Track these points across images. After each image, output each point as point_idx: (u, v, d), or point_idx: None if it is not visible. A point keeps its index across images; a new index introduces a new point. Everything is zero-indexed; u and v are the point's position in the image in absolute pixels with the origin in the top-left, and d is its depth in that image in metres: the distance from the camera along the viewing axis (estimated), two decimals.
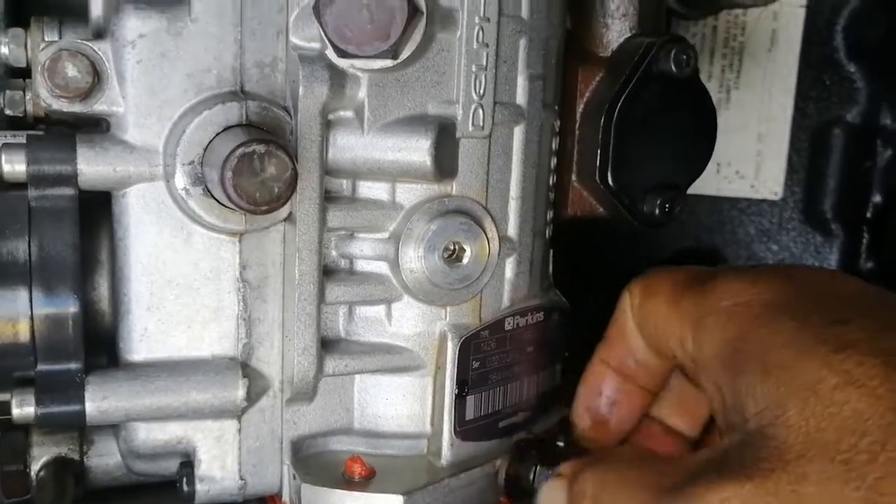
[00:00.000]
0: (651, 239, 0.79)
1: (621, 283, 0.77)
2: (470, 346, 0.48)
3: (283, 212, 0.45)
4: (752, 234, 0.80)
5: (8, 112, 0.49)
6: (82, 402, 0.43)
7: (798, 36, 0.77)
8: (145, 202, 0.44)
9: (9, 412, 0.44)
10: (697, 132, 0.54)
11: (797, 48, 0.77)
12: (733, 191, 0.79)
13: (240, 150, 0.39)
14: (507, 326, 0.51)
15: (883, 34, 0.76)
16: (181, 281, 0.45)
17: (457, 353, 0.48)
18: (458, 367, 0.48)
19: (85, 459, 0.49)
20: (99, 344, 0.46)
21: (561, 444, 0.55)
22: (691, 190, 0.78)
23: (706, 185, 0.78)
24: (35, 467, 0.48)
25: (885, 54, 0.76)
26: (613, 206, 0.53)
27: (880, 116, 0.77)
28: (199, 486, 0.47)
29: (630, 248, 0.78)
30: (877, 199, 0.77)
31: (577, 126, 0.54)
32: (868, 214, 0.78)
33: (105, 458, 0.50)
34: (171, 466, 0.48)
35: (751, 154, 0.79)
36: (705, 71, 0.78)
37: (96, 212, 0.46)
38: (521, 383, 0.52)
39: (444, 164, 0.46)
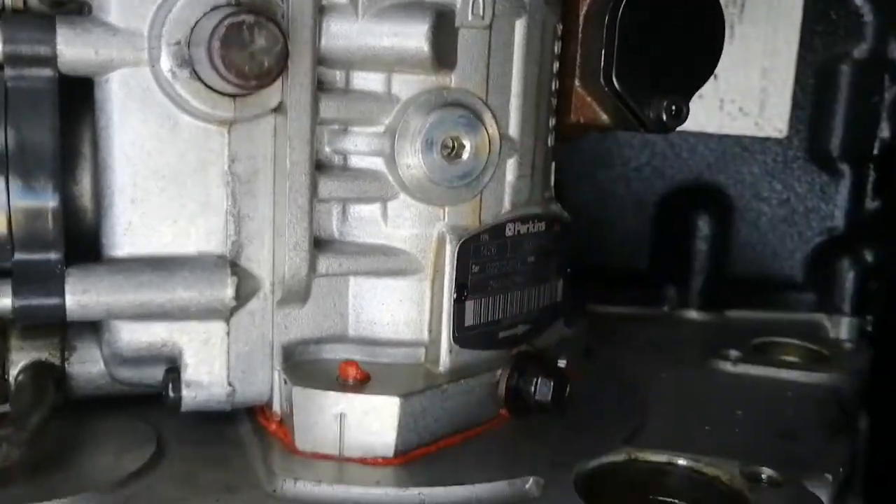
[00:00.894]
0: (653, 173, 0.77)
1: (625, 214, 0.77)
2: (469, 249, 0.46)
3: (274, 99, 0.43)
4: (755, 173, 0.78)
5: None
6: (62, 294, 0.41)
7: None
8: (129, 88, 0.42)
9: None
10: (705, 34, 0.51)
11: None
12: (737, 128, 0.77)
13: (228, 20, 0.37)
14: (508, 232, 0.49)
15: None
16: (167, 173, 0.43)
17: (456, 255, 0.46)
18: (456, 271, 0.46)
19: (66, 366, 0.47)
20: (82, 242, 0.44)
21: (563, 363, 0.53)
22: (694, 127, 0.76)
23: (709, 121, 0.76)
24: (13, 372, 0.46)
25: None
26: (618, 112, 0.51)
27: (888, 50, 0.75)
28: (185, 392, 0.45)
29: (632, 182, 0.77)
30: (884, 134, 0.75)
31: (579, 30, 0.52)
32: (875, 151, 0.76)
33: (87, 366, 0.47)
34: (156, 374, 0.46)
35: (755, 90, 0.77)
36: None
37: (79, 103, 0.43)
38: (521, 294, 0.50)
39: (443, 52, 0.44)
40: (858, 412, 0.62)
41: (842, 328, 0.75)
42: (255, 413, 0.48)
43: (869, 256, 0.76)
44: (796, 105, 0.77)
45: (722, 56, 0.55)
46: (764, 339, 0.67)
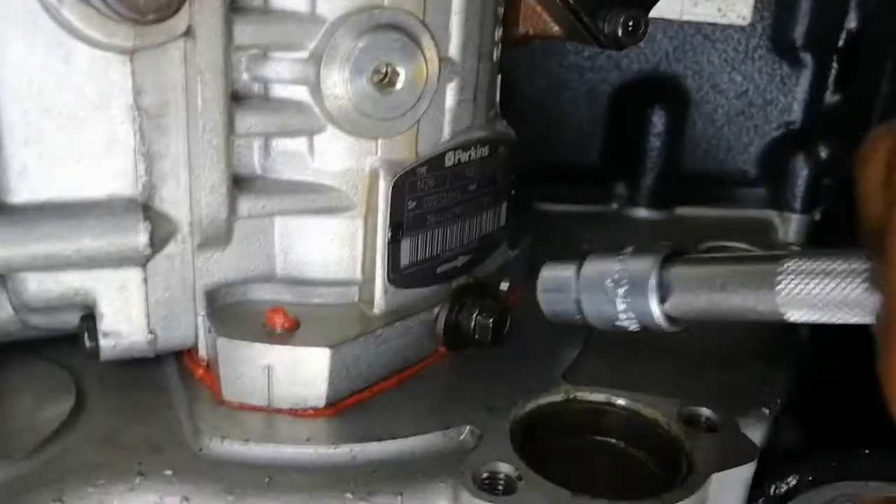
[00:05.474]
0: (608, 63, 0.73)
1: (577, 106, 0.73)
2: (405, 185, 0.43)
3: (180, 24, 0.37)
4: (715, 64, 0.74)
5: None
6: None
7: None
8: (9, 11, 0.37)
9: None
10: None
11: None
12: (699, 15, 0.72)
13: None
14: (448, 162, 0.45)
15: None
16: (63, 110, 0.38)
17: (390, 192, 0.43)
18: (391, 209, 0.43)
19: None
20: None
21: (505, 286, 0.51)
22: (654, 13, 0.71)
23: (669, 7, 0.71)
24: None
25: None
26: (571, 25, 0.46)
27: None
28: (103, 342, 0.42)
29: (586, 73, 0.72)
30: (851, 24, 0.71)
31: None
32: (840, 42, 0.72)
33: None
34: (72, 319, 0.43)
35: None
36: None
37: None
38: (462, 225, 0.47)
39: None
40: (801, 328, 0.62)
41: (791, 226, 0.74)
42: (181, 354, 0.46)
43: (824, 153, 0.74)
44: None
45: None
46: (711, 245, 0.66)
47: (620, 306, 0.39)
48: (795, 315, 0.34)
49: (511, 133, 0.50)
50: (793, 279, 0.34)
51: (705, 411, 0.44)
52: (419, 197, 0.44)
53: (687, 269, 0.37)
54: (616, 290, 0.39)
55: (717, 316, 0.37)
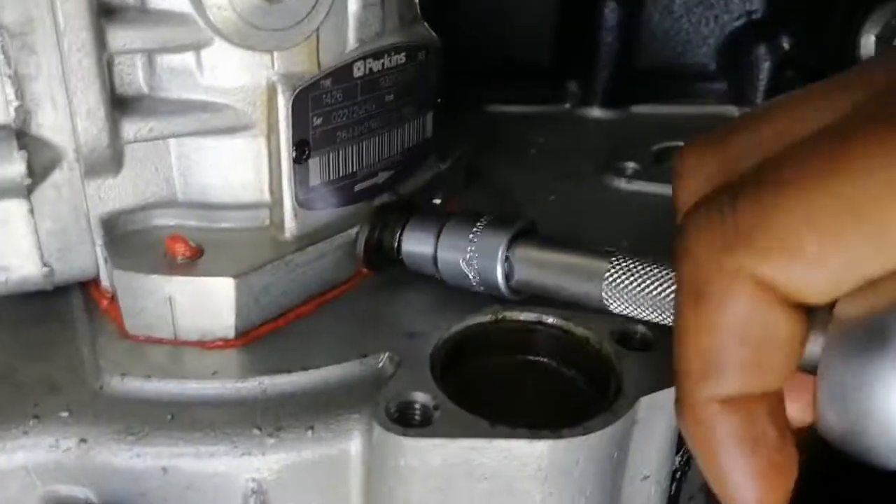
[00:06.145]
0: None
1: (524, 2, 0.68)
2: (307, 100, 0.40)
3: None
4: None
5: None
6: None
7: None
8: None
9: None
10: None
11: None
12: None
13: None
14: (357, 73, 0.42)
15: None
16: None
17: (290, 108, 0.39)
18: (293, 127, 0.40)
19: None
20: None
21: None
22: None
23: None
24: None
25: None
26: None
27: None
28: None
29: None
30: None
31: None
32: None
33: None
34: None
35: None
36: None
37: None
38: (379, 139, 0.44)
39: None
40: None
41: None
42: (87, 285, 0.44)
43: (786, 43, 0.70)
44: None
45: None
46: (665, 145, 0.63)
47: (471, 273, 0.41)
48: (618, 308, 0.37)
49: (433, 37, 0.46)
50: (617, 275, 0.36)
51: (640, 328, 0.42)
52: (325, 112, 0.41)
53: (531, 251, 0.40)
54: (467, 258, 0.41)
55: (554, 296, 0.40)
